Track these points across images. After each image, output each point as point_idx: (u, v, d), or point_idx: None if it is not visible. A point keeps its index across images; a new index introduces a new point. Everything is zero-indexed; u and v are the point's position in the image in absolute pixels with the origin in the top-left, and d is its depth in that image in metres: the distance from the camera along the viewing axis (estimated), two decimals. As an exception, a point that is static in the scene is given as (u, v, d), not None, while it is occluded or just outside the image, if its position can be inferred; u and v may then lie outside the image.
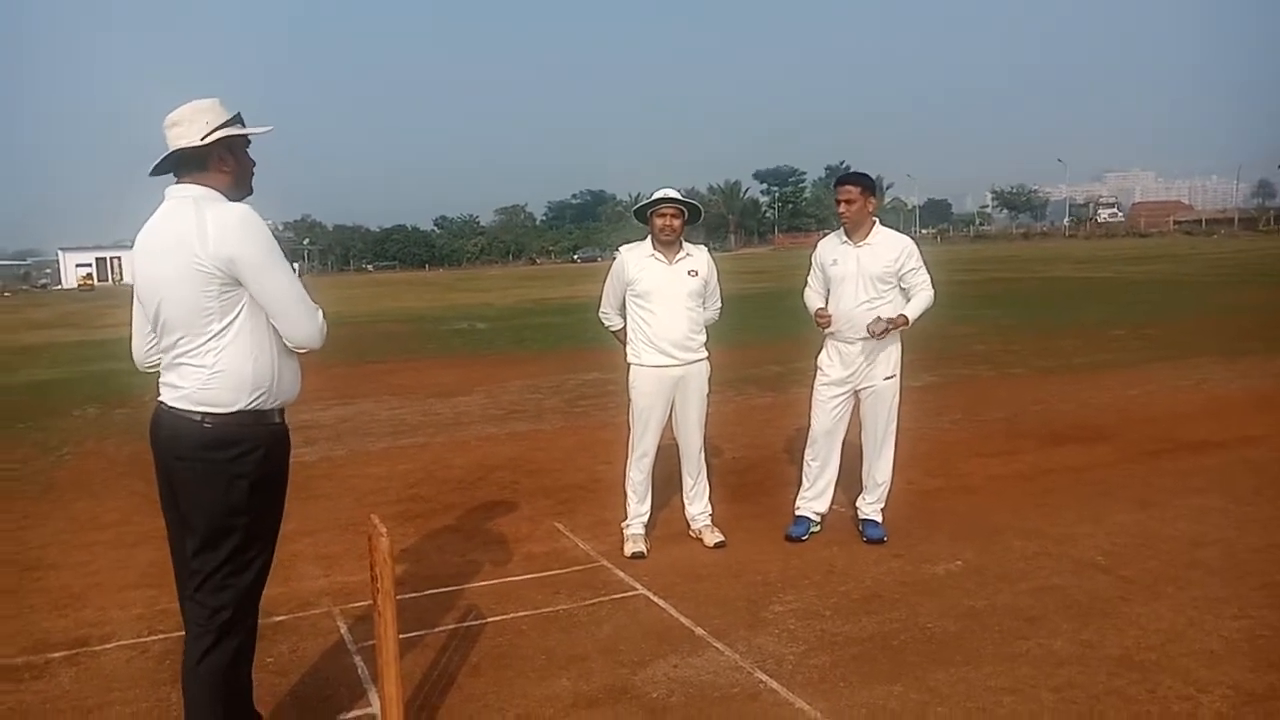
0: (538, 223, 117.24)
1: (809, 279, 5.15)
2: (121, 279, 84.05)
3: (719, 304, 5.14)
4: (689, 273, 4.87)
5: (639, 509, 4.98)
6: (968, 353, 12.13)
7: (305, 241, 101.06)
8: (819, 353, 5.08)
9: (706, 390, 4.99)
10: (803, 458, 5.16)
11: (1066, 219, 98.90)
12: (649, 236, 4.91)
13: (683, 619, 4.02)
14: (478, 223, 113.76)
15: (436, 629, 4.01)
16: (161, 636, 3.98)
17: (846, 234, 4.92)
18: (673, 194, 4.81)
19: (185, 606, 2.69)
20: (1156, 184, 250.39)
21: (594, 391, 10.15)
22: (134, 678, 3.64)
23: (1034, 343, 12.98)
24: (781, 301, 21.09)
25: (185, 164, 2.64)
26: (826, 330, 4.96)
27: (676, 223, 4.79)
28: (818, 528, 5.10)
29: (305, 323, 2.64)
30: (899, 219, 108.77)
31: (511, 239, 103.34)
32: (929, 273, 4.92)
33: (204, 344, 2.57)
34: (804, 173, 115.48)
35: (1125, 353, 11.73)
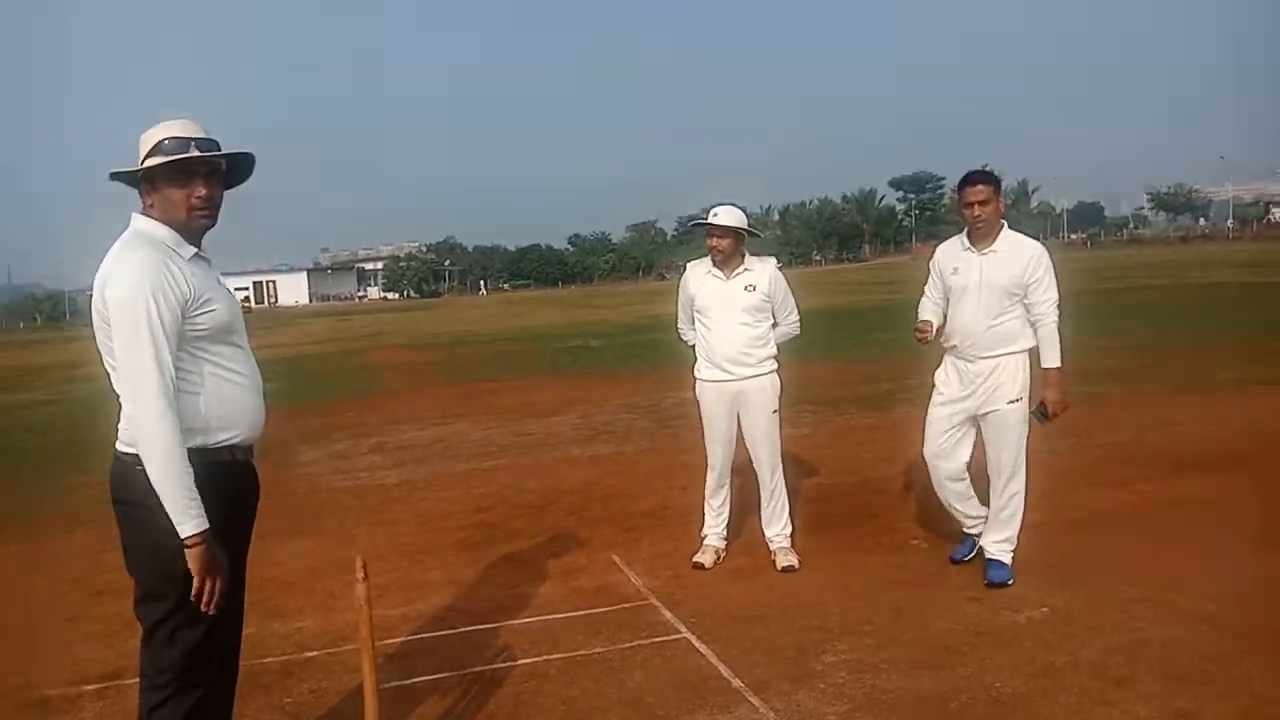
0: (668, 238, 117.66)
1: (926, 288, 4.71)
2: (277, 301, 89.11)
3: (795, 319, 4.95)
4: (746, 288, 4.77)
5: (713, 521, 5.00)
6: (1097, 368, 11.21)
7: (446, 263, 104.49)
8: (937, 368, 4.66)
9: (772, 407, 4.82)
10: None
11: (1230, 220, 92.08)
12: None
13: (722, 668, 3.71)
14: (609, 240, 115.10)
15: (462, 670, 3.84)
16: (193, 669, 3.95)
17: (970, 239, 4.45)
18: (719, 217, 4.72)
19: (139, 656, 2.57)
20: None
21: (687, 411, 9.81)
22: (153, 714, 3.59)
23: (1174, 356, 11.94)
24: (907, 314, 20.30)
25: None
26: (945, 345, 4.55)
27: (723, 243, 4.73)
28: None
29: (127, 400, 2.41)
30: (1046, 224, 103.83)
31: (641, 255, 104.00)
32: (1057, 289, 4.36)
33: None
34: (943, 178, 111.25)
35: (1280, 367, 10.61)
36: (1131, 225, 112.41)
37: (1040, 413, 4.37)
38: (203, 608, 2.42)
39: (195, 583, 2.40)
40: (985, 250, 4.38)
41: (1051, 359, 4.35)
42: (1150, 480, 6.08)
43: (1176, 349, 12.69)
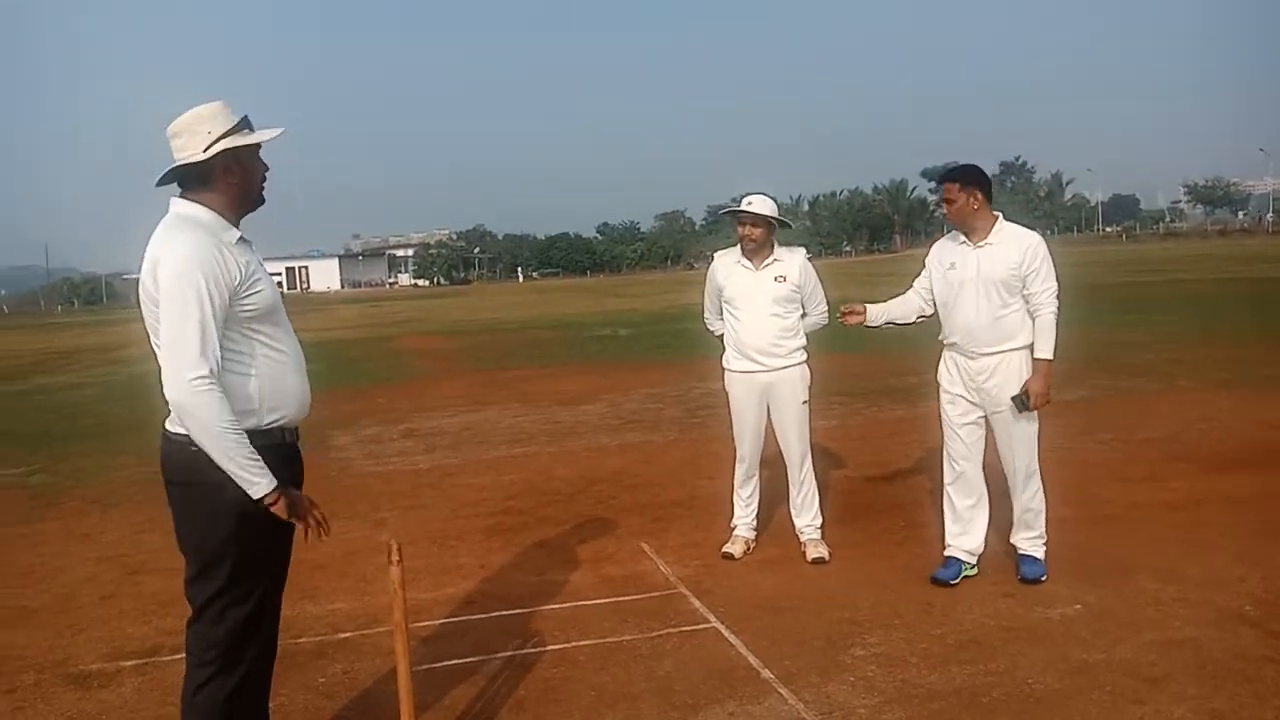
0: (697, 227, 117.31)
1: (916, 280, 4.63)
2: (309, 287, 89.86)
3: (824, 309, 4.95)
4: (776, 279, 4.76)
5: (742, 512, 4.99)
6: (1133, 363, 11.10)
7: (476, 250, 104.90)
8: (937, 366, 4.58)
9: (803, 397, 4.82)
10: (936, 484, 4.65)
11: (1270, 214, 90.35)
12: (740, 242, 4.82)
13: (751, 658, 3.71)
14: (638, 229, 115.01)
15: (494, 655, 3.86)
16: (229, 649, 4.00)
17: (965, 234, 4.39)
18: (753, 205, 4.69)
19: (186, 633, 2.61)
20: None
21: (715, 401, 9.79)
22: (190, 691, 3.65)
23: (1212, 352, 11.75)
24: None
25: (189, 178, 2.53)
26: (944, 341, 4.47)
27: (756, 232, 4.71)
28: (973, 570, 4.46)
29: (167, 378, 2.39)
30: (1080, 216, 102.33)
31: (670, 244, 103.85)
32: (1055, 279, 4.27)
33: None
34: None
35: (1321, 364, 10.41)
36: (1168, 219, 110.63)
37: (1022, 401, 4.24)
38: (322, 536, 2.54)
39: (300, 526, 2.51)
40: (981, 243, 4.31)
41: (1044, 349, 4.25)
42: (1186, 477, 6.00)
43: (1213, 344, 12.50)
